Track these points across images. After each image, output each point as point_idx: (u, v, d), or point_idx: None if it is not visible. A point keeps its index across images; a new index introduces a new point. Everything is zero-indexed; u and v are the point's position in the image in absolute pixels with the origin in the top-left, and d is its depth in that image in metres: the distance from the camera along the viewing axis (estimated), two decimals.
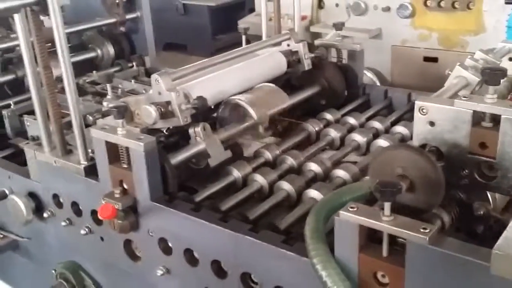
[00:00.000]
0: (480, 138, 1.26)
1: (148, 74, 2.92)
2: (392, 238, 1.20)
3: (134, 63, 2.87)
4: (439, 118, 1.28)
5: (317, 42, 2.34)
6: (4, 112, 2.33)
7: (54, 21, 1.59)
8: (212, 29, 5.33)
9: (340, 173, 1.72)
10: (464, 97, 1.27)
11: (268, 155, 1.89)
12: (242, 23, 4.19)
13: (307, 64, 2.20)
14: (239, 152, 1.97)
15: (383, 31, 3.51)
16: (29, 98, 2.49)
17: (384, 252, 1.20)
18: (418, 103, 1.30)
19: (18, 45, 2.66)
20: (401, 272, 1.17)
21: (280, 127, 2.17)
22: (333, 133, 2.00)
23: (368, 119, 2.12)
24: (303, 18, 3.74)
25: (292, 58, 2.19)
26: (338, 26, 2.33)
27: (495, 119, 1.23)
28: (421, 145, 1.32)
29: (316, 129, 2.06)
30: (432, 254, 1.11)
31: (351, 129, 2.05)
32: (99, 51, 2.96)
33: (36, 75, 1.76)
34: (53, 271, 1.96)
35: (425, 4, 3.32)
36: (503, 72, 1.25)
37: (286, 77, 2.26)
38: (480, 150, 1.26)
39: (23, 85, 2.66)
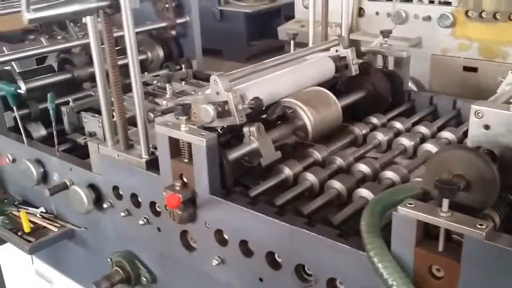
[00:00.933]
0: None
1: (195, 76, 3.04)
2: (447, 235, 1.27)
3: (182, 66, 2.98)
4: (494, 122, 1.34)
5: (364, 48, 2.41)
6: (63, 108, 2.46)
7: (126, 23, 1.70)
8: (247, 35, 5.43)
9: (389, 174, 1.79)
10: None
11: (317, 155, 1.97)
12: (281, 30, 4.29)
13: (354, 70, 2.27)
14: (288, 152, 2.05)
15: (423, 40, 3.55)
16: (85, 97, 2.66)
17: (440, 247, 1.26)
18: (474, 107, 1.36)
19: (74, 46, 2.84)
20: (456, 266, 1.23)
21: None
22: (380, 137, 2.07)
23: (414, 124, 2.18)
24: None
25: (340, 64, 2.27)
26: (386, 34, 2.39)
27: None
28: (475, 147, 1.38)
29: (363, 132, 2.13)
30: (488, 249, 1.17)
31: (398, 133, 2.11)
32: (149, 54, 3.09)
33: (103, 73, 1.87)
34: (109, 260, 2.06)
35: (466, 14, 3.36)
36: None
37: (333, 82, 2.34)
38: None
39: (78, 84, 2.81)
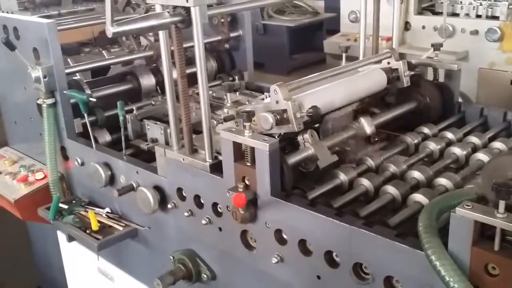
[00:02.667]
0: None
1: (247, 87, 3.17)
2: (502, 236, 1.34)
3: (236, 77, 3.13)
4: None
5: (415, 61, 2.49)
6: (128, 116, 2.63)
7: (196, 36, 1.85)
8: (289, 48, 5.54)
9: (443, 181, 1.86)
10: None
11: (370, 162, 2.06)
12: (328, 44, 4.41)
13: (406, 82, 2.36)
14: (342, 158, 2.14)
15: (470, 53, 3.59)
16: (145, 105, 2.83)
17: (496, 246, 1.33)
18: None
19: (136, 58, 3.02)
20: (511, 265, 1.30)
21: (379, 139, 2.32)
22: (432, 146, 2.14)
23: (465, 135, 2.24)
24: (388, 39, 3.89)
25: (392, 75, 2.36)
26: (437, 47, 2.47)
27: None
28: None
29: (415, 141, 2.21)
30: None
31: (449, 143, 2.18)
32: None
33: (172, 83, 2.02)
34: (171, 257, 2.19)
35: None
36: None
37: (384, 93, 2.43)
38: None
39: (139, 94, 2.98)
